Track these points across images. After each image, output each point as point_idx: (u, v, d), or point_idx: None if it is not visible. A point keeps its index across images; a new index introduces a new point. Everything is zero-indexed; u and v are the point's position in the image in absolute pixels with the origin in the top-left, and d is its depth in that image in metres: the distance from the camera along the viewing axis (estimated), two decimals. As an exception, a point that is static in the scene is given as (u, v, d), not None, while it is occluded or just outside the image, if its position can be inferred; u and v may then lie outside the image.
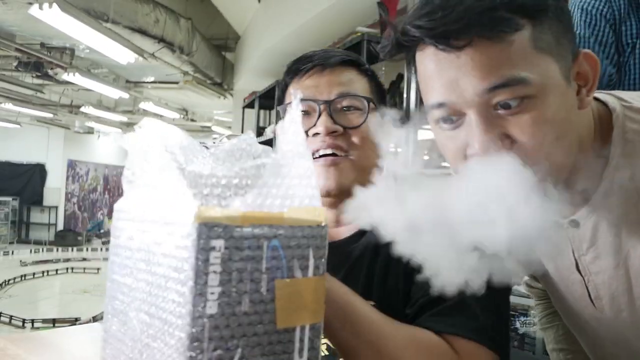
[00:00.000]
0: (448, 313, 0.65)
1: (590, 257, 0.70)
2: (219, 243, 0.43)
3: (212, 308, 0.42)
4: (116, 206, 0.58)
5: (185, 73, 6.74)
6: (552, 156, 0.57)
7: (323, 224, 0.49)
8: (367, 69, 0.88)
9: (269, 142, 4.30)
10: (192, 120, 10.38)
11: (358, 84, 0.85)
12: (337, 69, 0.84)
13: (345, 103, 0.82)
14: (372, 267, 0.79)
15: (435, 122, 0.62)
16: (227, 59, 7.65)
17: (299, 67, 0.85)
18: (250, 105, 5.59)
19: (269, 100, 4.83)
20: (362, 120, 0.82)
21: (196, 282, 0.42)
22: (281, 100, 0.91)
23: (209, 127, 11.13)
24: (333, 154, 0.80)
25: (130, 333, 0.51)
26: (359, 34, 2.98)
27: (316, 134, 0.81)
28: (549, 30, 0.57)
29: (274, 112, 5.20)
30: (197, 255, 0.42)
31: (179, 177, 0.48)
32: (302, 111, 0.83)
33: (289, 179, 0.50)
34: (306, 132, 0.81)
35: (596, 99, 0.68)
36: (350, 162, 0.81)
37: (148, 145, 0.52)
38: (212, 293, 0.42)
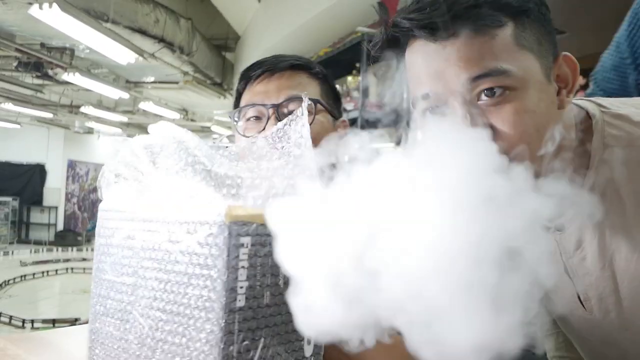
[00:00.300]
0: None
1: (577, 259, 0.71)
2: (246, 240, 0.46)
3: (241, 301, 0.45)
4: (103, 206, 0.59)
5: (185, 73, 6.74)
6: (533, 146, 0.59)
7: None
8: (317, 72, 0.89)
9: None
10: (192, 120, 10.37)
11: (308, 87, 0.86)
12: (286, 73, 0.85)
13: (292, 106, 0.83)
14: None
15: (421, 113, 0.64)
16: (227, 59, 7.64)
17: (249, 74, 0.87)
18: (250, 105, 5.59)
19: (269, 101, 4.83)
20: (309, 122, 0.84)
21: (228, 277, 0.45)
22: (236, 107, 0.92)
23: (209, 127, 11.13)
24: None
25: (135, 331, 0.51)
26: (359, 34, 2.98)
27: None
28: (530, 31, 0.60)
29: (274, 112, 5.20)
30: (229, 252, 0.45)
31: (206, 178, 0.51)
32: (254, 116, 0.85)
33: (295, 179, 0.52)
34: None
35: (577, 105, 0.70)
36: None
37: (160, 147, 0.54)
38: (241, 287, 0.45)
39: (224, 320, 0.44)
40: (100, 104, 8.82)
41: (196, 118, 10.48)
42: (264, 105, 0.83)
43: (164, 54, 5.90)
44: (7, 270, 7.87)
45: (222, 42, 7.44)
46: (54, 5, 3.62)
